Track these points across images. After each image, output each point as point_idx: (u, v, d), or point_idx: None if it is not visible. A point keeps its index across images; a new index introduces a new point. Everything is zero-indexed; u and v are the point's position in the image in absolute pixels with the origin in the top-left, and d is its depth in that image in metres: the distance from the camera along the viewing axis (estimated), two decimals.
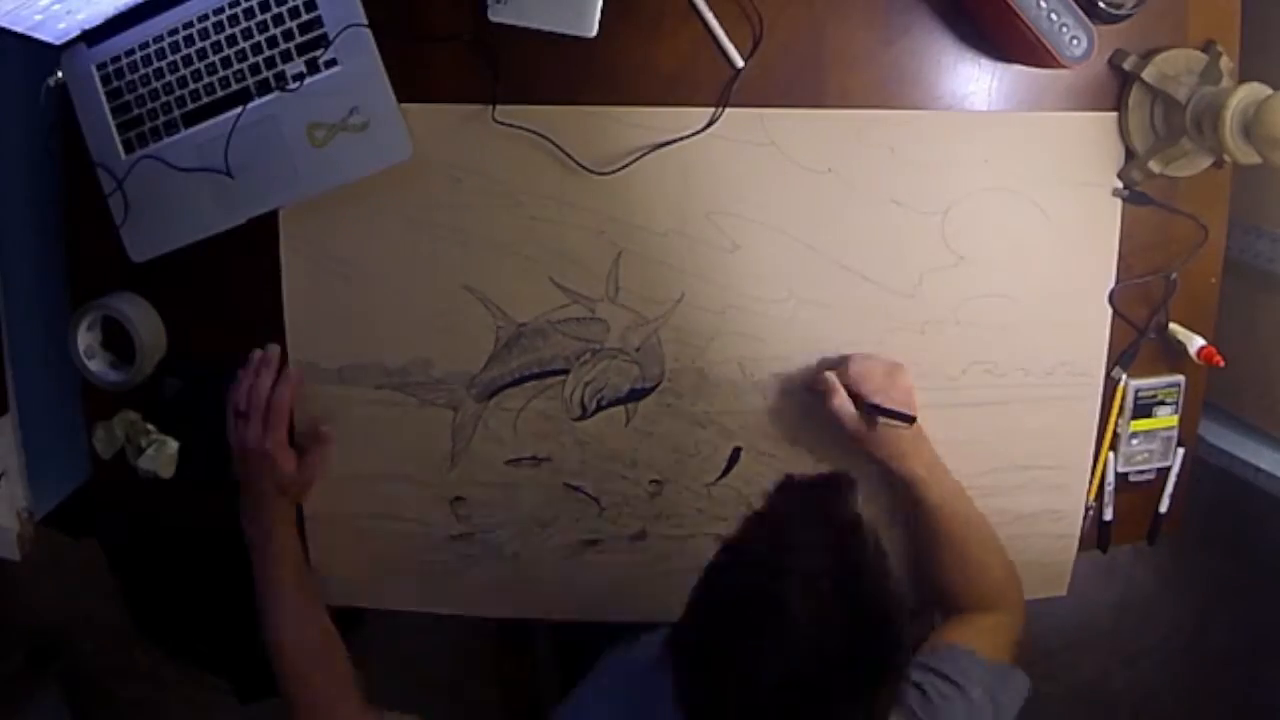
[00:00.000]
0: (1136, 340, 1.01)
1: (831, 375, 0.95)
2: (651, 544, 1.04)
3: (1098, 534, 1.07)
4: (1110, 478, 1.04)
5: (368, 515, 1.04)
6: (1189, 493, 1.07)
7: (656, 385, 1.00)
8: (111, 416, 1.03)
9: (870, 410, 0.93)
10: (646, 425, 1.01)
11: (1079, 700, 1.79)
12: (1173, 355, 1.02)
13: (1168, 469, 1.05)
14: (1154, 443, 1.04)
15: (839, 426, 0.94)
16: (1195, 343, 0.98)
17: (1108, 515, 1.05)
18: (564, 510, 1.03)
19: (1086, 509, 1.05)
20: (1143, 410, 1.02)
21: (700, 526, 1.03)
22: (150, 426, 1.03)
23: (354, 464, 1.02)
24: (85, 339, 1.00)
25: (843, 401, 0.94)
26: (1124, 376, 1.01)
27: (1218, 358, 0.97)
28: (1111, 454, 1.04)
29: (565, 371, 1.00)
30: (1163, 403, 1.03)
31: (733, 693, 0.63)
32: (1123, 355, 1.01)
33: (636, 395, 1.00)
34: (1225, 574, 1.77)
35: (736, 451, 1.02)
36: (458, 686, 1.85)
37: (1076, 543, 1.05)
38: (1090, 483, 1.04)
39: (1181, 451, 1.05)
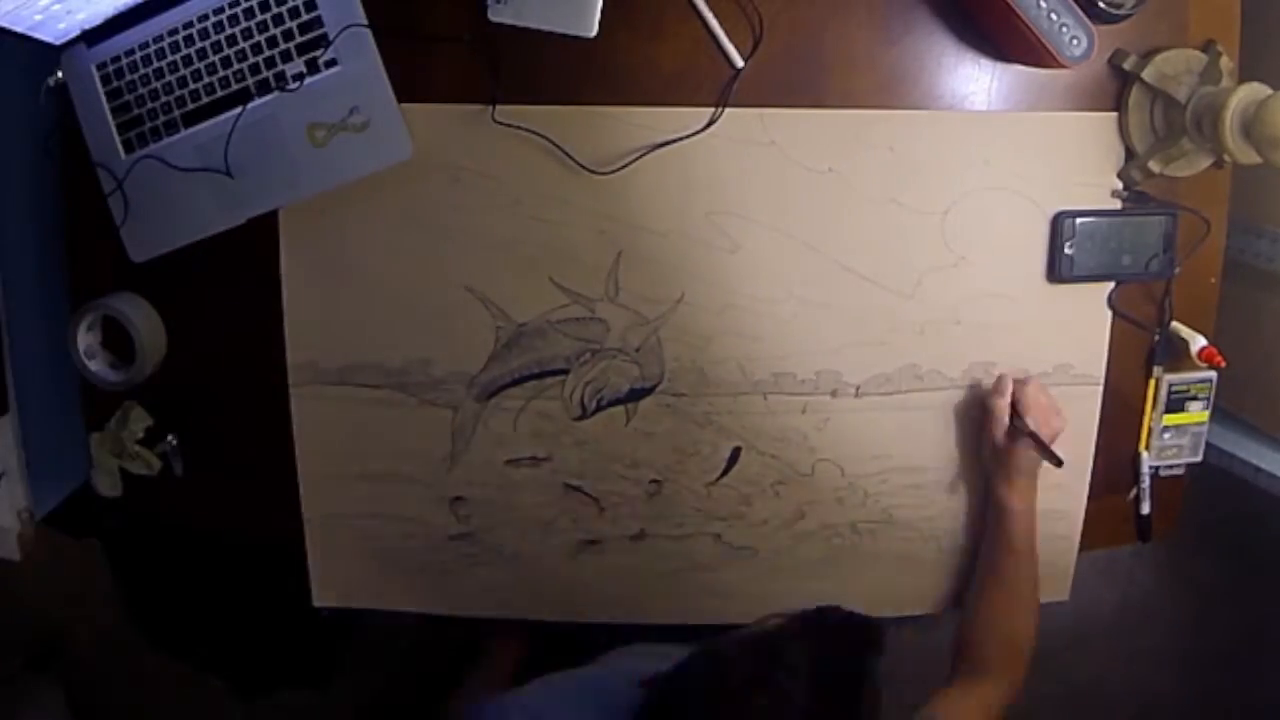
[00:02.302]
0: (1162, 335, 1.01)
1: (1009, 380, 0.96)
2: (651, 544, 1.04)
3: (1137, 527, 1.07)
4: (1145, 470, 1.05)
5: (367, 515, 1.04)
6: (1189, 492, 1.07)
7: (656, 385, 1.00)
8: (109, 420, 1.03)
9: (1026, 434, 0.94)
10: (646, 425, 1.01)
11: (1079, 700, 1.79)
12: (1173, 355, 1.02)
13: (1197, 465, 1.06)
14: (1184, 438, 1.04)
15: (986, 431, 0.96)
16: (1197, 343, 0.98)
17: (1145, 509, 1.06)
18: (563, 510, 1.03)
19: (1136, 498, 1.05)
20: (1175, 405, 1.03)
21: (700, 526, 1.03)
22: (143, 428, 1.03)
23: (354, 464, 1.02)
24: (85, 339, 0.99)
25: (1004, 406, 0.95)
26: (1159, 370, 1.01)
27: (1219, 358, 0.97)
28: (1145, 450, 1.04)
29: (565, 371, 1.00)
30: (1195, 398, 1.03)
31: None
32: (1152, 351, 1.02)
33: (636, 395, 1.00)
34: (1225, 574, 1.77)
35: (736, 451, 1.02)
36: (456, 684, 1.85)
37: (1077, 544, 1.05)
38: (1088, 483, 1.04)
39: None
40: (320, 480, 1.03)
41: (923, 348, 0.99)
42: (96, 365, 1.00)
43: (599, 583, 1.05)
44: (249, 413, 1.03)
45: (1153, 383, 1.02)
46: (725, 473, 1.02)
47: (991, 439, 0.97)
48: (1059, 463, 0.93)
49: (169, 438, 1.04)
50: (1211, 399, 1.03)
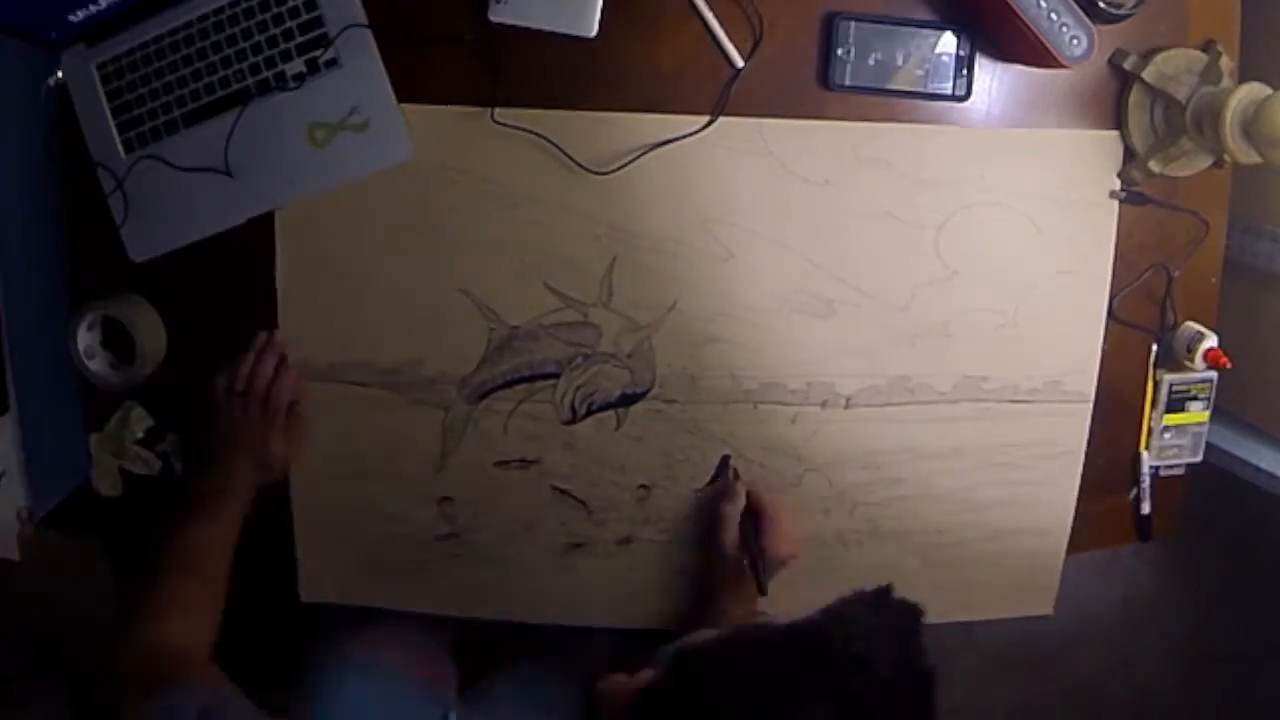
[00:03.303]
0: (1163, 335, 1.01)
1: (742, 489, 0.95)
2: (638, 549, 1.04)
3: (1137, 527, 1.07)
4: (1146, 470, 1.05)
5: (354, 512, 1.03)
6: (1189, 493, 1.07)
7: (647, 391, 1.00)
8: (109, 420, 1.03)
9: (751, 546, 0.92)
10: (636, 431, 1.01)
11: (1079, 700, 1.79)
12: (1174, 355, 1.02)
13: (1198, 465, 1.06)
14: (1184, 438, 1.04)
15: (714, 525, 0.94)
16: (1205, 343, 0.98)
17: (1145, 509, 1.06)
18: (551, 513, 1.03)
19: (1136, 498, 1.05)
20: (1175, 405, 1.03)
21: (687, 532, 1.03)
22: (144, 428, 1.03)
23: (342, 461, 1.02)
24: (85, 339, 0.99)
25: (734, 514, 0.93)
26: (1160, 371, 1.02)
27: (1225, 359, 0.97)
28: (1145, 451, 1.04)
29: (556, 375, 1.00)
30: (1195, 398, 1.03)
31: None
32: (1156, 354, 1.02)
33: (627, 400, 1.00)
34: (1225, 574, 1.77)
35: (725, 459, 1.02)
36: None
37: (1061, 560, 1.05)
38: (1075, 499, 1.04)
39: None
40: (309, 477, 1.02)
41: (914, 361, 0.99)
42: (96, 365, 1.00)
43: (585, 586, 1.05)
44: None
45: (1152, 383, 1.02)
46: (713, 480, 1.02)
47: (721, 545, 0.94)
48: (763, 592, 0.90)
49: (169, 437, 1.03)
50: (1212, 399, 1.03)
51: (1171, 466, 1.06)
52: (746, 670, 0.62)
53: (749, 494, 0.95)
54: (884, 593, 0.64)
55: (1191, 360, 0.99)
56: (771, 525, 0.93)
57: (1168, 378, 1.02)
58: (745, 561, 0.92)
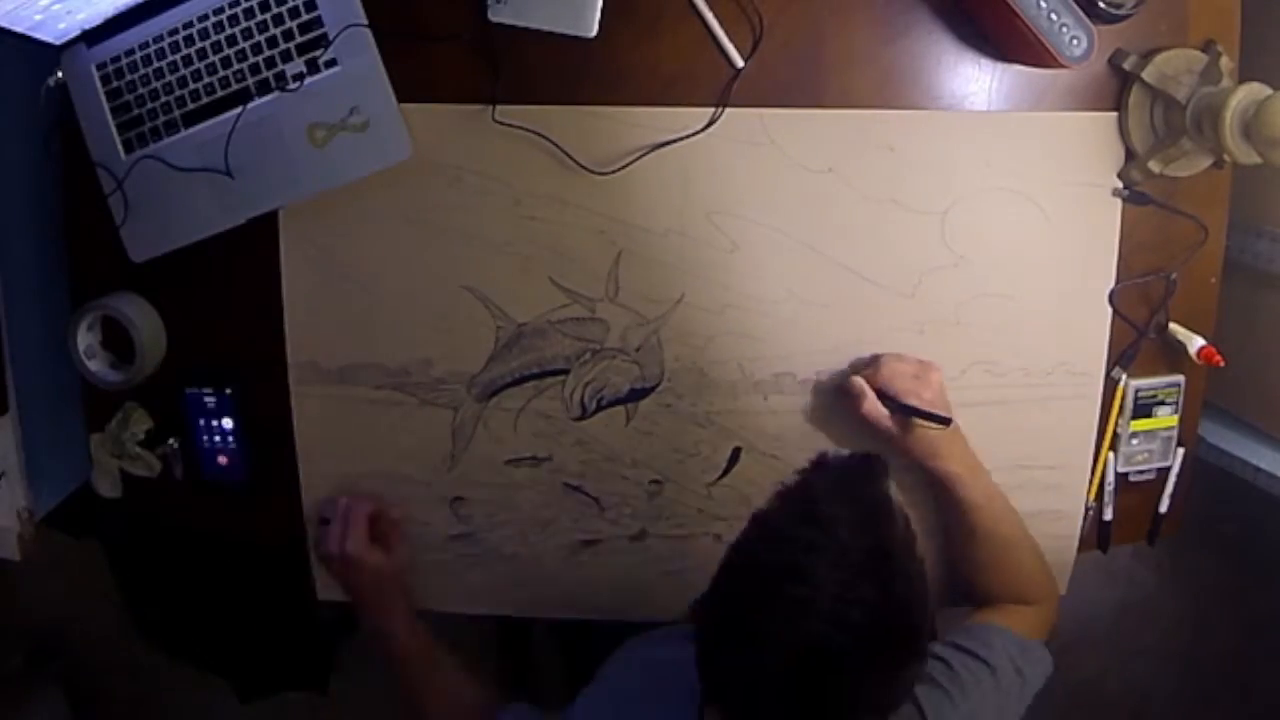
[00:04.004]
0: (1137, 340, 1.01)
1: (860, 380, 0.94)
2: (651, 544, 1.04)
3: (1098, 534, 1.07)
4: (1110, 478, 1.04)
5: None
6: (1189, 493, 1.07)
7: (656, 385, 1.00)
8: (109, 420, 1.03)
9: (903, 411, 0.93)
10: (646, 425, 1.01)
11: (1079, 700, 1.79)
12: (1173, 355, 1.02)
13: (1168, 469, 1.05)
14: (1154, 443, 1.04)
15: (873, 430, 0.94)
16: (1196, 343, 0.98)
17: (1108, 515, 1.05)
18: (564, 510, 1.03)
19: (1087, 509, 1.05)
20: (1143, 410, 1.02)
21: (700, 526, 1.03)
22: (144, 429, 1.03)
23: (354, 464, 1.02)
24: (85, 339, 0.99)
25: (873, 405, 0.93)
26: (1124, 376, 1.01)
27: (1218, 358, 0.97)
28: (1111, 454, 1.04)
29: (565, 371, 1.00)
30: (1162, 403, 1.03)
31: (755, 660, 0.62)
32: (1123, 355, 1.01)
33: (636, 395, 1.00)
34: (1225, 574, 1.77)
35: (736, 451, 1.02)
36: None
37: (1076, 543, 1.05)
38: (1090, 483, 1.04)
39: (1181, 451, 1.05)
40: (320, 480, 1.03)
41: (923, 348, 0.99)
42: (96, 365, 1.00)
43: (599, 582, 1.05)
44: (249, 413, 1.03)
45: (1120, 389, 1.01)
46: (725, 473, 1.02)
47: (890, 438, 0.94)
48: (946, 422, 0.92)
49: (170, 440, 1.03)
50: (1180, 403, 1.03)
51: (1142, 472, 1.05)
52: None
53: (870, 381, 0.94)
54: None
55: (1194, 359, 0.99)
56: (896, 383, 0.93)
57: (1133, 383, 1.01)
58: (914, 421, 0.92)
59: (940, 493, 0.97)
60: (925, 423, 0.92)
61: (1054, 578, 1.00)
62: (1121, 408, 1.02)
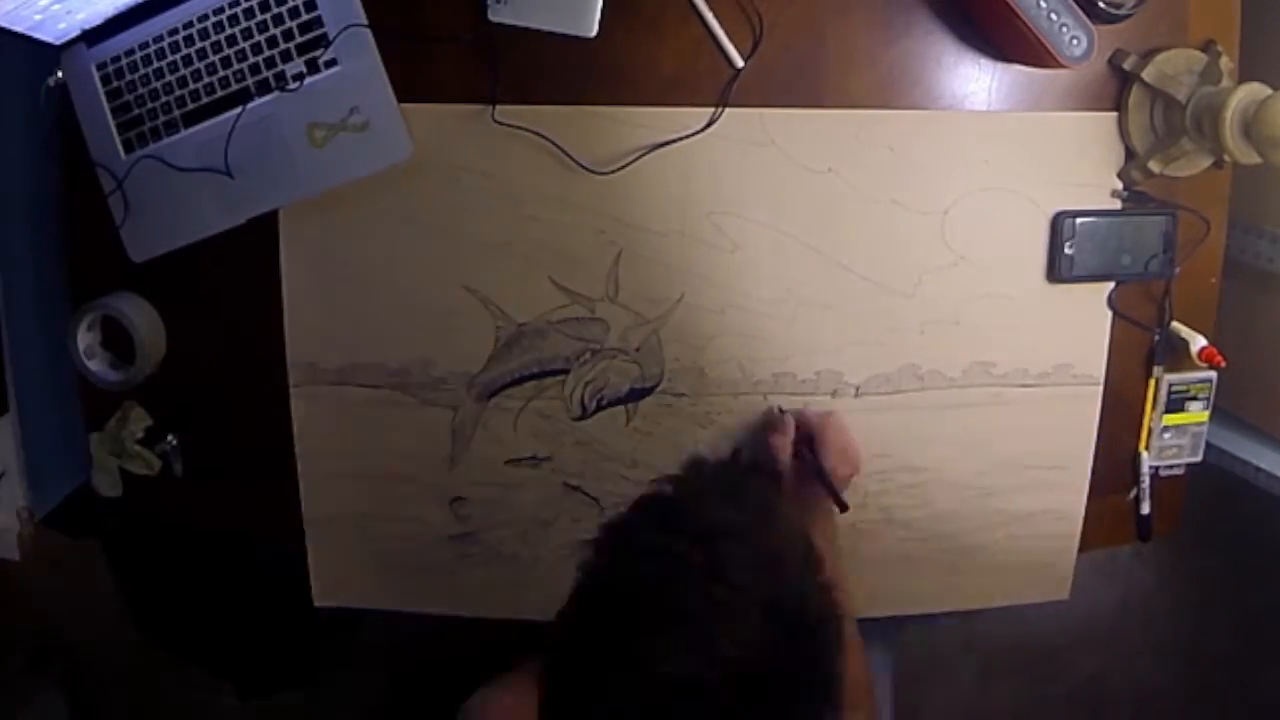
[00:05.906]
0: (1162, 334, 1.01)
1: (790, 418, 0.95)
2: None
3: (1137, 527, 1.07)
4: (1146, 470, 1.05)
5: (368, 515, 1.04)
6: (1189, 493, 1.07)
7: (656, 385, 1.00)
8: (109, 420, 1.03)
9: (815, 473, 0.93)
10: (646, 425, 1.01)
11: (1079, 700, 1.79)
12: (1173, 355, 1.02)
13: (1197, 464, 1.06)
14: (1184, 438, 1.04)
15: (769, 461, 0.93)
16: (1198, 342, 0.98)
17: (1145, 509, 1.06)
18: (564, 510, 1.03)
19: (1136, 498, 1.05)
20: (1175, 405, 1.03)
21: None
22: (143, 428, 1.03)
23: (354, 463, 1.02)
24: (85, 339, 0.99)
25: (784, 444, 0.93)
26: (1159, 370, 1.01)
27: (1218, 358, 0.97)
28: (1144, 450, 1.04)
29: (565, 371, 1.00)
30: (1195, 398, 1.03)
31: (603, 707, 0.51)
32: (1153, 351, 1.01)
33: (636, 395, 1.00)
34: (1225, 574, 1.77)
35: (736, 452, 1.01)
36: (458, 684, 1.85)
37: (1077, 544, 1.05)
38: (1088, 483, 1.04)
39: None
40: (320, 480, 1.03)
41: (923, 348, 0.99)
42: (96, 365, 1.00)
43: None
44: (249, 413, 1.03)
45: (1153, 383, 1.02)
46: None
47: (781, 480, 0.92)
48: (844, 507, 0.91)
49: (169, 438, 1.04)
50: (1211, 399, 1.03)
51: (1171, 466, 1.06)
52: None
53: (798, 420, 0.94)
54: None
55: (1195, 359, 0.99)
56: (829, 446, 0.93)
57: (1167, 378, 1.02)
58: (820, 484, 0.92)
59: None
60: (823, 496, 0.92)
61: (871, 678, 0.93)
62: (1155, 401, 1.02)
